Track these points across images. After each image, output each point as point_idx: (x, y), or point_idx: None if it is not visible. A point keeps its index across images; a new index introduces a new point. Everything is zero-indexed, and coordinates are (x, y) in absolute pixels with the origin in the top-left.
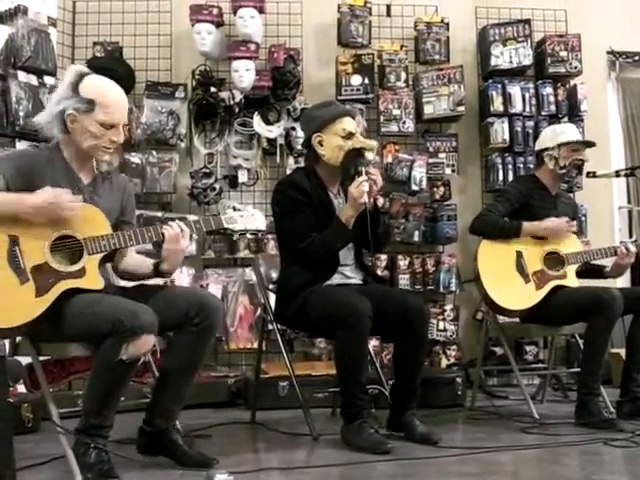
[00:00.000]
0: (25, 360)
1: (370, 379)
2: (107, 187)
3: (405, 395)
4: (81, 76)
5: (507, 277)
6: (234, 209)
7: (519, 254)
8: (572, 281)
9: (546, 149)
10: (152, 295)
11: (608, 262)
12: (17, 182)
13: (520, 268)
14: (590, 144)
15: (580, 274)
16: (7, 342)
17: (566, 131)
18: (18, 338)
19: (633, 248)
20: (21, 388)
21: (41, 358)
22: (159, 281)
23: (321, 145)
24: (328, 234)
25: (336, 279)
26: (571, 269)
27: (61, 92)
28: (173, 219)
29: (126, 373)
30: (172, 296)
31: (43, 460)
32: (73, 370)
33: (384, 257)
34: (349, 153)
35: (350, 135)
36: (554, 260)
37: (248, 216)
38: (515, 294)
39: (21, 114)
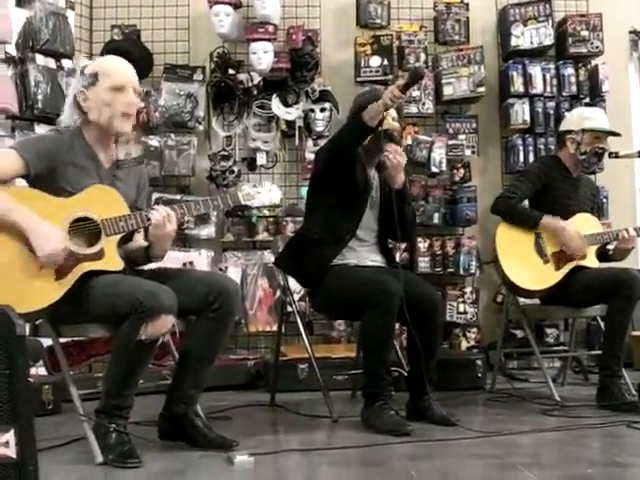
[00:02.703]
0: (46, 342)
1: (391, 362)
2: (125, 172)
3: (421, 381)
4: (86, 64)
5: (526, 258)
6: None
7: (538, 235)
8: (592, 262)
9: (570, 132)
10: (171, 278)
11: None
12: (38, 166)
13: (539, 249)
14: (615, 135)
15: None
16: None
17: (593, 117)
18: (38, 320)
19: (633, 232)
20: (42, 370)
21: (61, 340)
22: (178, 264)
23: None
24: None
25: (352, 259)
26: (590, 250)
27: (72, 83)
28: (190, 201)
29: (145, 353)
30: (191, 280)
31: (64, 441)
32: (93, 353)
33: None
34: (378, 134)
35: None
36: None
37: (265, 192)
38: (534, 275)
39: (40, 97)
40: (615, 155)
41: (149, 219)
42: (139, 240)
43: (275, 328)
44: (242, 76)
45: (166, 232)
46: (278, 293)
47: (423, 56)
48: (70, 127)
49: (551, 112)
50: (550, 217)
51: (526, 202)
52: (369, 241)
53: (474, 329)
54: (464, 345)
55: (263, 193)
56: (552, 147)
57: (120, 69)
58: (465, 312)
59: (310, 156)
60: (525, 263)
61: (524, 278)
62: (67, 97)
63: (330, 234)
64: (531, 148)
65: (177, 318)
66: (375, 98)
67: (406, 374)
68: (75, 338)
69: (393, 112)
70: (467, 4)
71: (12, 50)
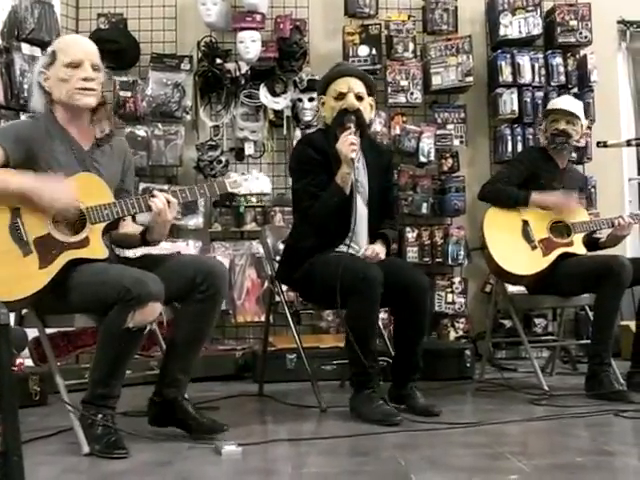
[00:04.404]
0: (32, 333)
1: (378, 351)
2: (107, 153)
3: (406, 368)
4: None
5: (514, 244)
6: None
7: (525, 222)
8: (579, 249)
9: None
10: (158, 264)
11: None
12: (16, 153)
13: (526, 235)
14: (571, 115)
15: None
16: (12, 312)
17: (556, 102)
18: (24, 310)
19: (629, 220)
20: (28, 362)
21: (48, 331)
22: (165, 251)
23: (323, 107)
24: (325, 195)
25: (342, 248)
26: (577, 237)
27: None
28: (177, 189)
29: (132, 342)
30: (178, 264)
31: (50, 432)
32: (80, 344)
33: None
34: (337, 114)
35: (341, 96)
36: (560, 229)
37: (252, 179)
38: (522, 260)
39: (25, 87)
40: (604, 144)
41: (150, 207)
42: (129, 225)
43: (263, 318)
44: (230, 65)
45: (167, 219)
46: (266, 283)
47: (411, 45)
48: (42, 112)
49: (539, 102)
50: (537, 193)
51: None
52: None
53: (462, 319)
54: (452, 335)
55: (250, 181)
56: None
57: (75, 45)
58: (453, 302)
59: None
60: (513, 249)
61: (512, 263)
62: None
63: (320, 244)
64: (519, 138)
65: (165, 305)
66: (336, 74)
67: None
68: (62, 329)
69: (357, 88)
70: None
71: None
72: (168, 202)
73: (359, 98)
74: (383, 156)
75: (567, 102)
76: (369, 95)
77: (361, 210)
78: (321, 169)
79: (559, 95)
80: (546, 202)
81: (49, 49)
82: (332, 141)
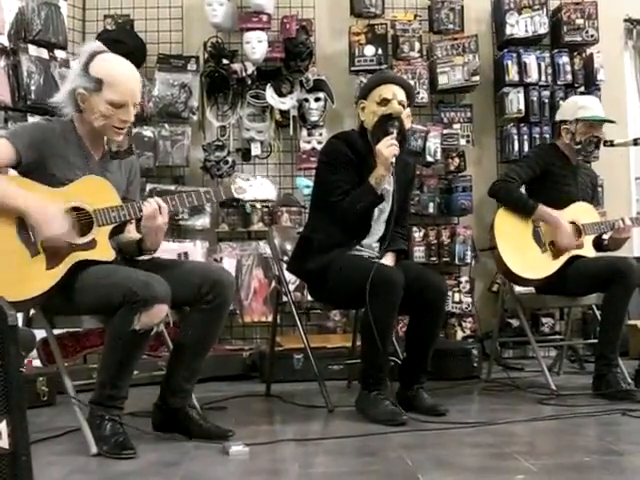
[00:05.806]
0: (40, 334)
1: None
2: (116, 164)
3: (416, 370)
4: (93, 55)
5: (524, 246)
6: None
7: (536, 224)
8: (589, 251)
9: (564, 122)
10: (164, 270)
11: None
12: (29, 155)
13: (537, 237)
14: (609, 122)
15: None
16: (20, 314)
17: (587, 106)
18: (32, 311)
19: (628, 222)
20: (36, 362)
21: (56, 332)
22: (173, 255)
23: (363, 111)
24: (357, 193)
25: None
26: (587, 239)
27: (74, 70)
28: (183, 193)
29: (139, 343)
30: (184, 272)
31: (58, 433)
32: (88, 344)
33: None
34: (381, 118)
35: (384, 101)
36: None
37: (257, 186)
38: (531, 263)
39: (32, 88)
40: (610, 143)
41: (141, 211)
42: (132, 232)
43: (270, 318)
44: (236, 66)
45: (157, 224)
46: (273, 283)
47: (417, 45)
48: (62, 118)
49: (546, 101)
50: (546, 208)
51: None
52: (373, 248)
53: (470, 318)
54: (460, 335)
55: (255, 186)
56: (547, 136)
57: (125, 84)
58: (460, 302)
59: (305, 146)
60: (523, 251)
61: (522, 266)
62: (66, 82)
63: (335, 239)
64: (526, 137)
65: (171, 309)
66: (381, 80)
67: (400, 362)
68: (70, 330)
69: (400, 95)
70: None
71: (4, 41)
72: (159, 207)
73: (401, 106)
74: (409, 169)
75: (599, 108)
76: (408, 106)
77: (382, 215)
78: (353, 168)
79: (566, 94)
80: (548, 218)
81: (95, 71)
82: (368, 144)
